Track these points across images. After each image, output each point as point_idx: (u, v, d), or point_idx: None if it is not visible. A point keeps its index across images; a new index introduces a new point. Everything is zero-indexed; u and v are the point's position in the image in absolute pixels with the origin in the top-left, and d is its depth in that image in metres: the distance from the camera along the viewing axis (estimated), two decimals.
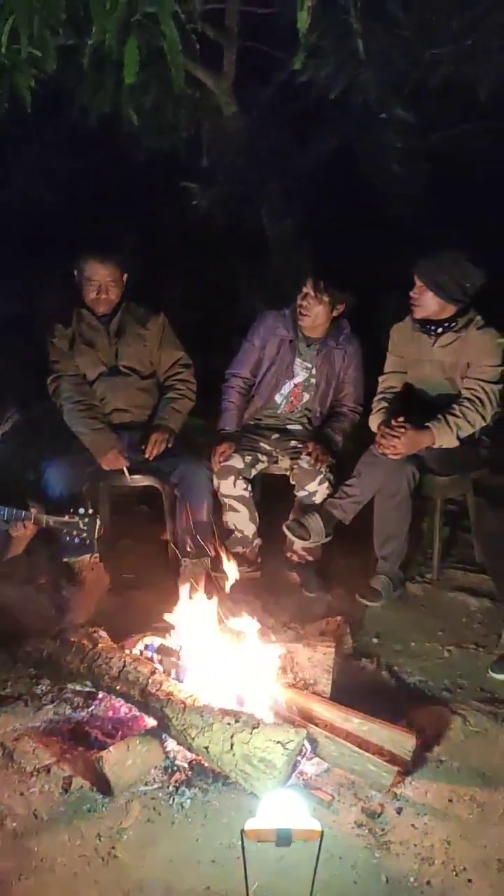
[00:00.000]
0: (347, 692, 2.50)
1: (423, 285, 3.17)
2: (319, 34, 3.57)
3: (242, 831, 1.63)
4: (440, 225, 5.59)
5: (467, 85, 4.11)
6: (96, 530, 2.77)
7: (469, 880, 1.91)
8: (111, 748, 2.21)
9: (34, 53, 3.10)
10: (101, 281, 3.28)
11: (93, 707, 2.47)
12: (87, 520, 2.75)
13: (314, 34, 3.56)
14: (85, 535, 2.75)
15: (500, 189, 5.58)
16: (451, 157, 5.46)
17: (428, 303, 3.19)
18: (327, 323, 3.42)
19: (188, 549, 3.19)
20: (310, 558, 3.35)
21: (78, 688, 2.52)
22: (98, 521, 2.79)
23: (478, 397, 3.15)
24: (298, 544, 3.31)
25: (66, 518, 2.75)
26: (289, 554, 3.39)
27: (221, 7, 4.11)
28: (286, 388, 3.53)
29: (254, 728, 2.14)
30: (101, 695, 2.48)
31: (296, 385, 3.52)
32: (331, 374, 3.48)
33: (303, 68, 3.80)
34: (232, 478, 3.27)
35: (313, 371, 3.48)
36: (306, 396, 3.53)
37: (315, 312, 3.36)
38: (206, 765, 2.21)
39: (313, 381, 3.49)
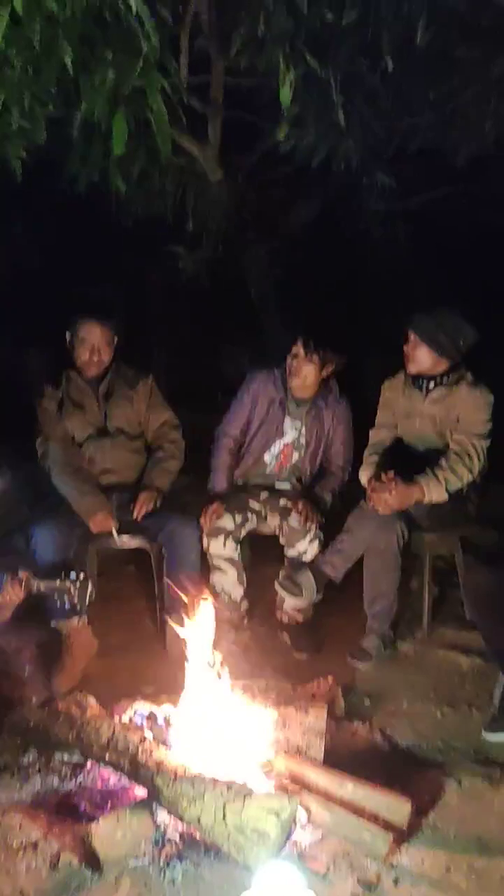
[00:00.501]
0: (340, 756, 2.46)
1: (419, 340, 3.23)
2: (302, 106, 3.70)
3: None
4: (422, 282, 5.75)
5: (445, 150, 4.28)
6: (88, 595, 2.74)
7: None
8: (100, 820, 2.15)
9: (24, 126, 3.19)
10: (96, 343, 3.32)
11: (81, 777, 2.41)
12: (78, 584, 2.72)
13: (297, 106, 3.71)
14: (76, 599, 2.72)
15: (479, 248, 5.76)
16: (431, 219, 5.64)
17: (422, 357, 3.25)
18: (317, 383, 3.46)
19: (176, 610, 3.16)
20: (299, 618, 3.33)
21: (66, 757, 2.46)
22: (90, 586, 2.76)
23: (467, 452, 3.19)
24: (289, 604, 3.30)
25: (58, 583, 2.72)
26: (279, 614, 3.37)
27: (207, 79, 4.26)
28: (276, 447, 3.55)
29: (246, 797, 2.09)
30: (89, 764, 2.42)
31: (286, 444, 3.54)
32: (320, 433, 3.51)
33: (286, 138, 3.95)
34: (222, 538, 3.27)
35: (303, 431, 3.51)
36: (296, 456, 3.55)
37: (305, 372, 3.39)
38: (198, 836, 2.15)
39: (303, 440, 3.52)
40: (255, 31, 3.56)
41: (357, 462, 3.48)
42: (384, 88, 3.71)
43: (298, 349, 3.37)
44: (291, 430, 3.52)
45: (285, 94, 3.65)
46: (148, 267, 5.47)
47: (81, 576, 2.72)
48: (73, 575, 2.72)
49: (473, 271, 5.66)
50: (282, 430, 3.51)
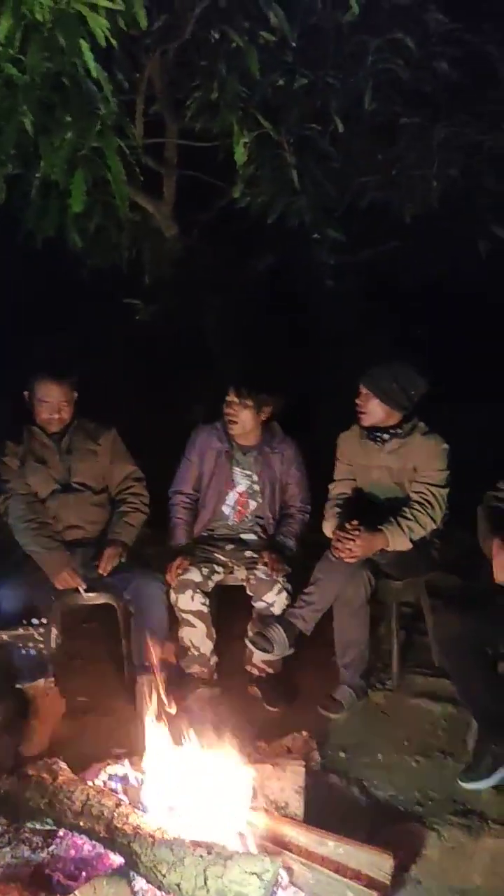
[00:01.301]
0: (319, 812, 2.43)
1: (370, 393, 3.29)
2: (256, 166, 3.82)
3: None
4: (373, 333, 5.89)
5: (393, 207, 4.44)
6: (53, 640, 2.69)
7: None
8: (75, 892, 2.08)
9: None
10: (55, 401, 3.30)
11: (54, 847, 2.32)
12: (41, 630, 2.66)
13: (251, 166, 3.83)
14: (42, 645, 2.66)
15: (427, 300, 5.95)
16: (381, 272, 5.81)
17: (375, 410, 3.31)
18: (258, 428, 3.48)
19: (145, 668, 3.11)
20: (270, 671, 3.30)
21: (37, 826, 2.36)
22: (53, 631, 2.70)
23: (427, 500, 3.24)
24: (258, 657, 3.27)
25: (20, 630, 2.65)
26: (248, 667, 3.33)
27: (164, 140, 4.37)
28: (231, 498, 3.55)
29: (227, 860, 2.04)
30: (62, 832, 2.33)
31: (240, 494, 3.55)
32: (273, 478, 3.52)
33: (242, 196, 4.06)
34: (190, 591, 3.24)
35: (255, 478, 3.52)
36: (253, 504, 3.56)
37: (242, 418, 3.42)
38: None
39: (257, 487, 3.53)
40: (209, 96, 3.69)
41: (316, 503, 3.49)
42: (335, 150, 3.85)
43: (232, 396, 3.40)
44: (243, 480, 3.53)
45: (240, 155, 3.78)
46: (106, 319, 5.49)
47: (44, 621, 2.66)
48: (35, 620, 2.66)
49: (421, 321, 5.83)
50: (232, 481, 3.52)
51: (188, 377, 5.32)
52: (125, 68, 3.65)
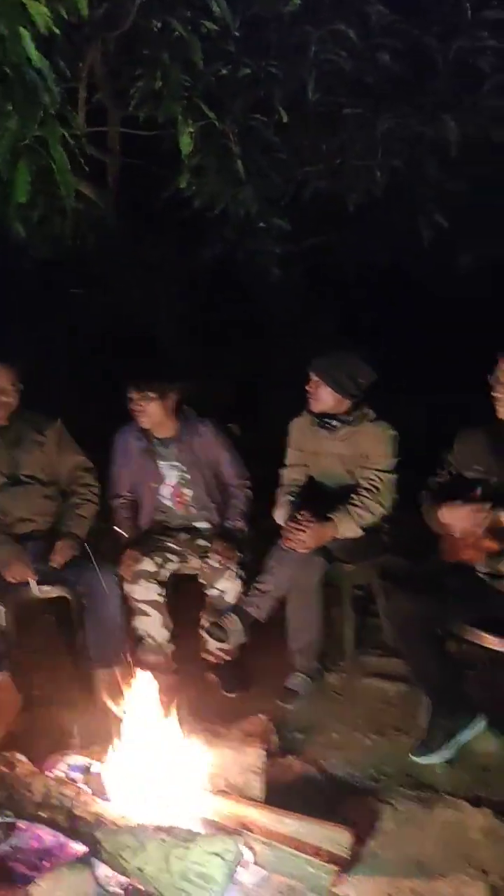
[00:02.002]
0: (278, 792, 2.47)
1: (320, 380, 3.35)
2: (202, 156, 3.82)
3: None
4: (318, 321, 5.96)
5: (338, 197, 4.49)
6: (2, 616, 2.65)
7: None
8: (38, 882, 2.08)
9: None
10: (1, 385, 3.26)
11: (15, 839, 2.31)
12: None
13: (197, 156, 3.83)
14: None
15: (370, 289, 6.04)
16: (327, 261, 5.88)
17: (324, 397, 3.36)
18: (170, 418, 3.48)
19: (100, 659, 3.12)
20: (226, 658, 3.34)
21: None
22: (2, 609, 2.68)
23: (375, 486, 3.31)
24: (213, 644, 3.30)
25: None
26: (205, 655, 3.36)
27: (105, 129, 4.33)
28: (165, 491, 3.57)
29: (189, 842, 2.08)
30: (23, 824, 2.33)
31: (173, 486, 3.57)
32: (199, 463, 3.52)
33: (187, 185, 4.06)
34: (143, 582, 3.25)
35: (182, 468, 3.53)
36: (189, 493, 3.57)
37: (149, 412, 3.41)
38: (142, 888, 2.12)
39: (187, 476, 3.54)
40: (152, 85, 3.67)
41: (269, 493, 3.53)
42: (279, 140, 3.88)
43: (132, 392, 3.40)
44: (171, 472, 3.54)
45: (185, 145, 3.77)
46: (53, 310, 5.43)
47: None
48: None
49: (365, 310, 5.93)
50: (160, 475, 3.54)
51: (135, 367, 5.30)
52: (67, 57, 3.60)
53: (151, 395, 3.38)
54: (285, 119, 3.75)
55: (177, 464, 3.53)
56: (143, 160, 4.67)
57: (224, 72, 3.73)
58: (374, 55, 3.69)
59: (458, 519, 2.69)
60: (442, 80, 3.90)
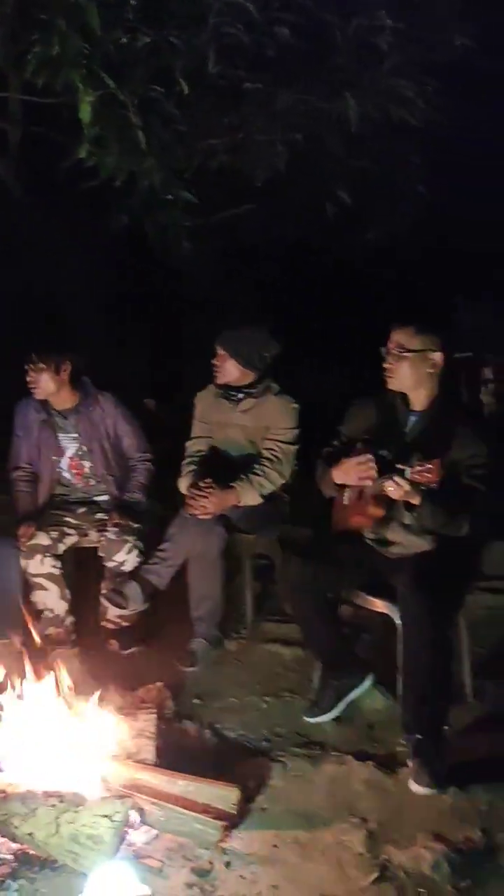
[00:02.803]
0: (173, 756, 2.53)
1: (226, 353, 3.40)
2: (102, 126, 3.77)
3: None
4: (232, 294, 5.99)
5: (244, 171, 4.51)
6: None
7: None
8: None
9: None
10: None
11: None
12: None
13: (98, 126, 3.78)
14: None
15: (280, 261, 6.10)
16: (238, 234, 5.89)
17: (230, 370, 3.43)
18: (65, 389, 3.47)
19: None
20: (126, 624, 3.38)
21: None
22: None
23: (276, 456, 3.41)
24: (113, 612, 3.34)
25: None
26: (105, 623, 3.40)
27: (5, 96, 4.22)
28: (64, 463, 3.57)
29: (79, 806, 2.14)
30: None
31: (71, 458, 3.56)
32: (98, 435, 3.53)
33: (89, 155, 4.01)
34: (39, 556, 3.26)
35: (81, 440, 3.54)
36: (87, 465, 3.57)
37: (42, 383, 3.41)
38: (33, 852, 2.16)
39: (85, 448, 3.54)
40: (50, 51, 3.60)
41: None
42: (181, 113, 3.86)
43: (28, 366, 3.40)
44: (70, 444, 3.54)
45: (85, 114, 3.72)
46: None
47: None
48: None
49: (276, 284, 5.98)
50: (60, 447, 3.53)
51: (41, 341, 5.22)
52: None
53: (42, 365, 3.36)
54: (186, 91, 3.74)
55: (75, 436, 3.53)
56: (45, 129, 4.59)
57: (124, 40, 3.68)
58: (273, 29, 3.70)
59: (346, 473, 2.78)
60: (342, 58, 3.95)
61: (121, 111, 3.74)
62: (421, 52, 4.08)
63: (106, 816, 2.11)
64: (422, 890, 2.07)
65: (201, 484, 3.30)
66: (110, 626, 3.39)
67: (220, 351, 3.44)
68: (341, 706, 2.87)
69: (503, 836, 2.26)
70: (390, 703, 2.86)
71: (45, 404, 3.48)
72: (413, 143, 4.97)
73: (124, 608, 3.26)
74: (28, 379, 3.40)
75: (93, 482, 3.59)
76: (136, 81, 3.70)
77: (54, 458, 3.53)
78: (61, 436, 3.52)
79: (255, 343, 3.42)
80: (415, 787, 2.41)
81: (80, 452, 3.55)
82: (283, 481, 3.45)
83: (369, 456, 2.70)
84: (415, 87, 4.08)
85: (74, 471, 3.57)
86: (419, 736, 2.48)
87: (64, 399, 3.48)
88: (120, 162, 3.97)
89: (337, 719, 2.86)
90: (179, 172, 4.32)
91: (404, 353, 2.74)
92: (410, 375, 2.77)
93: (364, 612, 3.19)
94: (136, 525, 3.36)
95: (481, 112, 5.91)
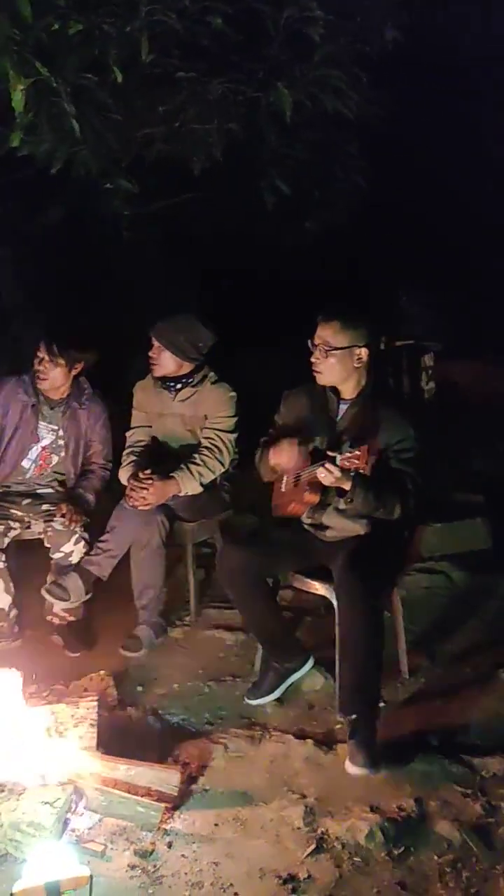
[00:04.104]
0: (116, 742, 2.58)
1: (161, 346, 3.42)
2: (35, 113, 3.72)
3: (11, 895, 1.66)
4: (173, 283, 6.00)
5: (183, 160, 4.50)
6: None
7: (236, 893, 2.07)
8: None
9: None
10: None
11: None
12: None
13: (30, 114, 3.73)
14: None
15: (221, 251, 6.12)
16: (178, 223, 5.89)
17: (166, 362, 3.45)
18: (67, 383, 3.51)
19: None
20: (71, 618, 3.39)
21: None
22: None
23: (216, 445, 3.44)
24: (58, 606, 3.34)
25: None
26: (49, 617, 3.40)
27: None
28: (33, 452, 3.55)
29: (20, 794, 2.16)
30: None
31: (43, 448, 3.56)
32: (78, 434, 3.56)
33: (21, 144, 3.95)
34: None
35: (60, 433, 3.54)
36: (55, 459, 3.58)
37: (53, 375, 3.44)
38: None
39: (62, 442, 3.55)
40: None
41: (117, 460, 3.59)
42: (114, 101, 3.83)
43: (43, 352, 3.40)
44: (48, 434, 3.54)
45: (17, 102, 3.66)
46: None
47: None
48: None
49: (217, 271, 6.01)
50: (37, 434, 3.53)
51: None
52: None
53: (61, 360, 3.39)
54: (120, 79, 3.71)
55: (56, 428, 3.52)
56: None
57: (56, 27, 3.63)
58: (206, 19, 3.70)
59: (280, 454, 2.83)
60: (274, 48, 3.97)
61: (54, 99, 3.69)
62: (352, 43, 4.11)
63: (47, 803, 2.14)
64: (357, 859, 2.15)
65: (141, 475, 3.31)
66: (56, 620, 3.39)
67: (156, 343, 3.45)
68: (282, 688, 2.94)
69: (434, 804, 2.36)
70: (329, 683, 2.94)
71: (36, 389, 3.46)
72: (350, 133, 5.02)
73: (66, 601, 3.26)
74: (39, 367, 3.39)
75: (46, 475, 3.58)
76: (69, 69, 3.64)
77: (27, 444, 3.50)
78: (42, 424, 3.51)
79: (190, 334, 3.43)
80: (350, 769, 2.48)
81: (54, 445, 3.54)
82: (223, 469, 3.49)
83: (297, 438, 2.76)
84: (347, 78, 4.12)
85: (41, 461, 3.55)
86: (355, 716, 2.55)
87: (60, 391, 3.49)
88: (54, 150, 3.91)
89: (278, 700, 2.94)
90: (117, 161, 4.28)
91: (330, 351, 2.79)
92: (338, 371, 2.82)
93: (303, 595, 3.27)
94: (84, 518, 3.37)
95: (417, 102, 6.02)
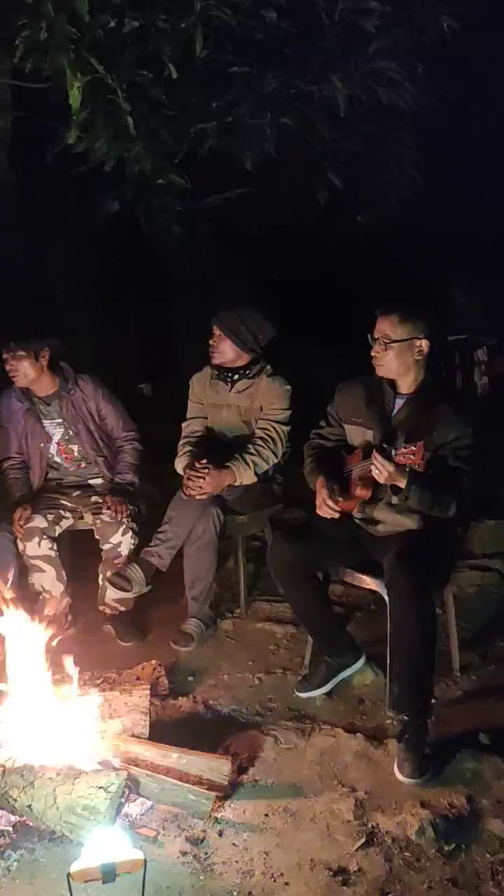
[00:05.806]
0: (167, 731, 2.63)
1: (222, 334, 3.45)
2: (91, 111, 3.78)
3: (68, 875, 1.70)
4: (223, 278, 6.01)
5: (234, 155, 4.52)
6: None
7: (286, 883, 2.08)
8: None
9: None
10: None
11: None
12: None
13: (86, 111, 3.79)
14: None
15: (271, 245, 6.12)
16: (230, 218, 5.91)
17: (225, 350, 3.48)
18: (44, 374, 3.49)
19: None
20: (122, 608, 3.44)
21: None
22: None
23: (270, 436, 3.46)
24: (111, 596, 3.40)
25: None
26: (101, 607, 3.46)
27: None
28: (52, 449, 3.61)
29: (75, 778, 2.21)
30: None
31: (59, 444, 3.61)
32: (82, 418, 3.56)
33: (78, 140, 4.02)
34: (36, 538, 3.31)
35: (65, 424, 3.58)
36: (75, 449, 3.62)
37: (22, 370, 3.43)
38: (32, 824, 2.24)
39: (71, 432, 3.58)
40: (37, 36, 3.60)
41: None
42: (168, 97, 3.87)
43: (6, 354, 3.43)
44: (56, 429, 3.58)
45: (74, 99, 3.73)
46: None
47: None
48: None
49: (267, 266, 6.01)
50: (46, 433, 3.57)
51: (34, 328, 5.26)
52: None
53: (21, 353, 3.40)
54: (174, 75, 3.74)
55: (60, 421, 3.57)
56: (35, 114, 4.59)
57: (112, 24, 3.68)
58: (260, 13, 3.70)
59: (319, 506, 2.85)
60: (329, 41, 3.95)
61: (109, 96, 3.74)
62: (407, 34, 4.07)
63: (101, 788, 2.18)
64: (407, 854, 2.15)
65: (197, 465, 3.34)
66: (107, 610, 3.44)
67: (217, 331, 3.47)
68: (333, 682, 2.94)
69: (486, 802, 2.34)
70: (380, 678, 2.92)
71: (27, 393, 3.52)
72: (405, 125, 4.97)
73: (128, 591, 3.31)
74: (8, 367, 3.43)
75: (83, 465, 3.63)
76: (124, 66, 3.69)
77: (42, 444, 3.56)
78: (46, 422, 3.57)
79: (252, 325, 3.45)
80: (399, 777, 2.46)
81: (66, 437, 3.59)
82: (277, 460, 3.49)
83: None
84: (402, 70, 4.08)
85: (63, 455, 3.61)
86: (405, 717, 2.53)
87: (45, 385, 3.52)
88: (109, 147, 3.97)
89: (327, 694, 2.94)
90: (170, 157, 4.32)
91: (390, 343, 2.77)
92: (397, 363, 2.80)
93: (354, 590, 3.26)
94: (130, 507, 3.41)
95: (472, 92, 5.91)
